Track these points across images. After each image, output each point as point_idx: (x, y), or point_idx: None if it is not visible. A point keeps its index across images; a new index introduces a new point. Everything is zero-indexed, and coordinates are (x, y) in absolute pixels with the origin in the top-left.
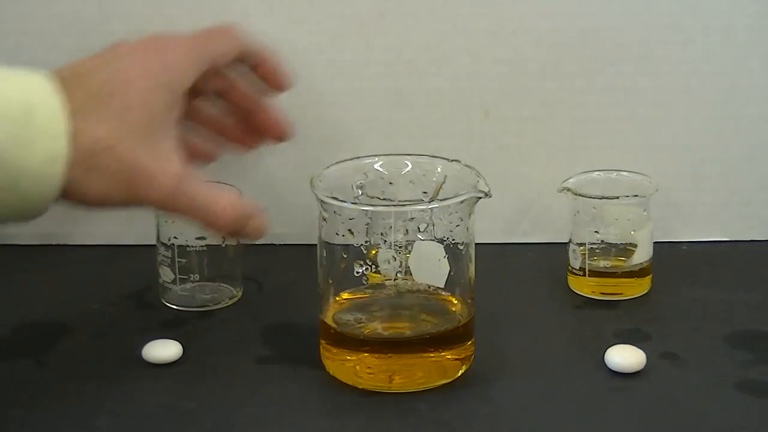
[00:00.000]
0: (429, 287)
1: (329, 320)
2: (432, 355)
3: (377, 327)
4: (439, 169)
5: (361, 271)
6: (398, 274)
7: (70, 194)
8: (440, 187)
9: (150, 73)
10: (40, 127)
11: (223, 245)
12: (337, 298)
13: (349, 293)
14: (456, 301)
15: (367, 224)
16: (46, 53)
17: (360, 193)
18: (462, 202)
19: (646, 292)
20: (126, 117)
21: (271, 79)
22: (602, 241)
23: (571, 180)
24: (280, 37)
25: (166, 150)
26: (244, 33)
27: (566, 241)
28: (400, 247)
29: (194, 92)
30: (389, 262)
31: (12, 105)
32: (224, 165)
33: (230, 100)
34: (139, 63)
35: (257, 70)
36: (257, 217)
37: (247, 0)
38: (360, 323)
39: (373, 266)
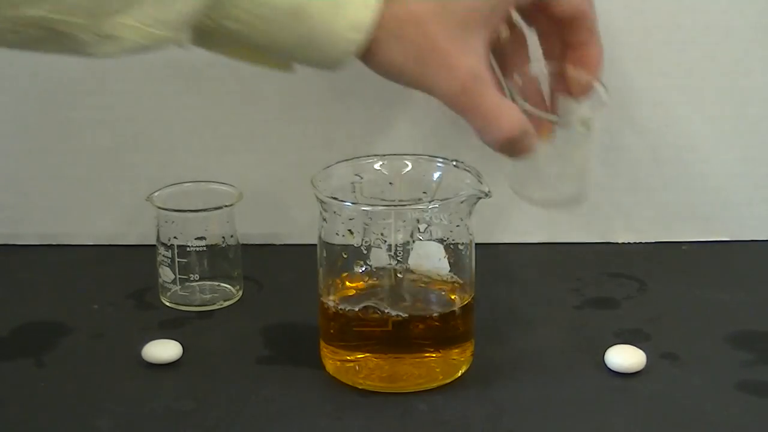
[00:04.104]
0: (429, 283)
1: (329, 320)
2: (432, 355)
3: (377, 325)
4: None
5: (361, 271)
6: (398, 274)
7: (368, 55)
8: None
9: None
10: None
11: (223, 245)
12: (337, 298)
13: (349, 293)
14: (456, 301)
15: (367, 224)
16: None
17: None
18: (462, 202)
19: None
20: (448, 2)
21: (583, 62)
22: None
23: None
24: None
25: (472, 47)
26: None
27: (567, 240)
28: (399, 247)
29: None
30: (389, 262)
31: None
32: (224, 165)
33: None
34: None
35: (574, 50)
36: (532, 140)
37: None
38: (360, 322)
39: (373, 266)
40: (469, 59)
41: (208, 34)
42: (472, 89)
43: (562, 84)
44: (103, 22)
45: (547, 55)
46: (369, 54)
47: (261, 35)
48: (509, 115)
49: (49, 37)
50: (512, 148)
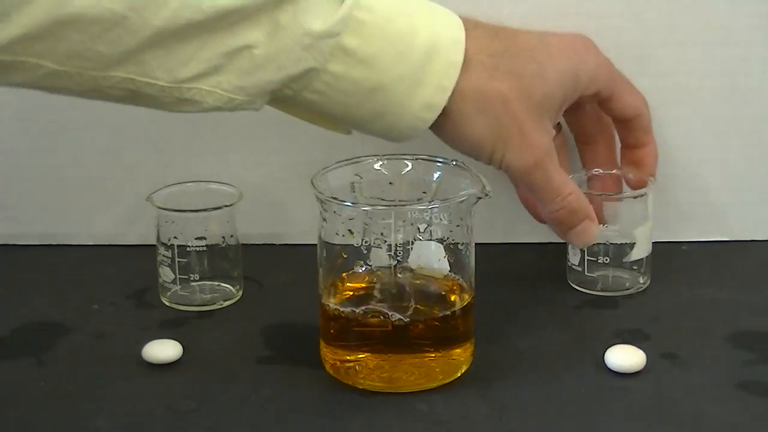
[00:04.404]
0: (429, 283)
1: (329, 320)
2: (432, 355)
3: (377, 324)
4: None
5: (361, 271)
6: (398, 274)
7: (448, 126)
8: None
9: (570, 61)
10: (432, 75)
11: (223, 245)
12: (337, 298)
13: (349, 293)
14: (456, 301)
15: (367, 224)
16: None
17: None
18: (462, 202)
19: (645, 288)
20: (528, 84)
21: (640, 163)
22: (602, 237)
23: (570, 177)
24: None
25: (545, 127)
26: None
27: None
28: (399, 247)
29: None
30: (389, 262)
31: (416, 47)
32: (224, 165)
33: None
34: (566, 49)
35: (632, 150)
36: (591, 223)
37: None
38: (360, 323)
39: (373, 266)
40: (543, 137)
41: (283, 99)
42: (544, 164)
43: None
44: (183, 86)
45: (587, 162)
46: (449, 125)
47: (337, 106)
48: (574, 187)
49: (130, 97)
50: (573, 218)
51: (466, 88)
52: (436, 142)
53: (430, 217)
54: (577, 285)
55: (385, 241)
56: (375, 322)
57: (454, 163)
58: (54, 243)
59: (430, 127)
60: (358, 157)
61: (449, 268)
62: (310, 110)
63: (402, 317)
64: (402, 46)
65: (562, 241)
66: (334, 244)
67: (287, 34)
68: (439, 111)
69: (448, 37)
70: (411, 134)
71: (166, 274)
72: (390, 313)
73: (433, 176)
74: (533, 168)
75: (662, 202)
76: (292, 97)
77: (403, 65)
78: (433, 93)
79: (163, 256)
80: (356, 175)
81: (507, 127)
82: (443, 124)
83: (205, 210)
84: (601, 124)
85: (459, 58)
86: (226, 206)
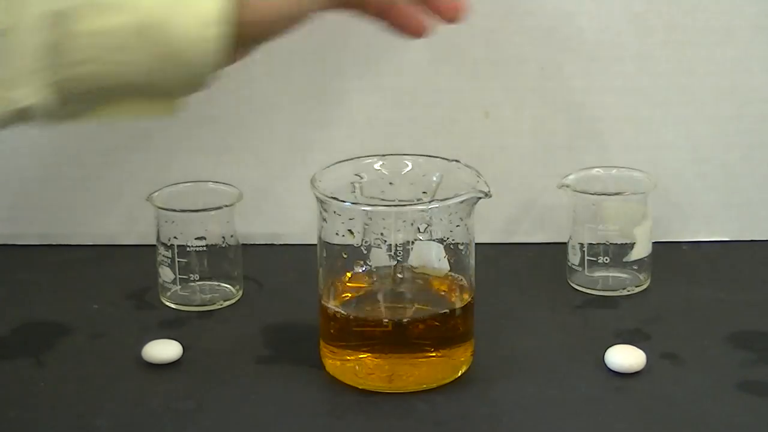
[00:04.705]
0: (429, 283)
1: (329, 320)
2: (432, 355)
3: (377, 324)
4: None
5: (361, 271)
6: (398, 274)
7: (246, 23)
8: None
9: None
10: None
11: (223, 245)
12: (337, 298)
13: (349, 293)
14: (456, 301)
15: (367, 224)
16: None
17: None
18: (462, 202)
19: (645, 288)
20: None
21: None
22: (602, 237)
23: (570, 177)
24: None
25: None
26: None
27: (567, 240)
28: (399, 247)
29: None
30: (389, 262)
31: None
32: (224, 165)
33: None
34: None
35: None
36: None
37: None
38: (360, 322)
39: (373, 266)
40: None
41: (68, 91)
42: None
43: None
44: None
45: None
46: (248, 15)
47: (118, 67)
48: None
49: None
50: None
51: None
52: (436, 142)
53: (430, 217)
54: (577, 285)
55: (385, 241)
56: (375, 322)
57: (454, 163)
58: (54, 243)
59: (239, 45)
60: (358, 157)
61: (449, 268)
62: (108, 92)
63: (402, 317)
64: None
65: (562, 241)
66: (334, 244)
67: (26, 11)
68: (219, 22)
69: None
70: (213, 60)
71: (166, 274)
72: (390, 313)
73: (433, 176)
74: None
75: (662, 202)
76: (71, 81)
77: None
78: (201, 7)
79: (163, 256)
80: (356, 175)
81: None
82: (243, 30)
83: (205, 210)
84: None
85: None
86: (226, 206)
